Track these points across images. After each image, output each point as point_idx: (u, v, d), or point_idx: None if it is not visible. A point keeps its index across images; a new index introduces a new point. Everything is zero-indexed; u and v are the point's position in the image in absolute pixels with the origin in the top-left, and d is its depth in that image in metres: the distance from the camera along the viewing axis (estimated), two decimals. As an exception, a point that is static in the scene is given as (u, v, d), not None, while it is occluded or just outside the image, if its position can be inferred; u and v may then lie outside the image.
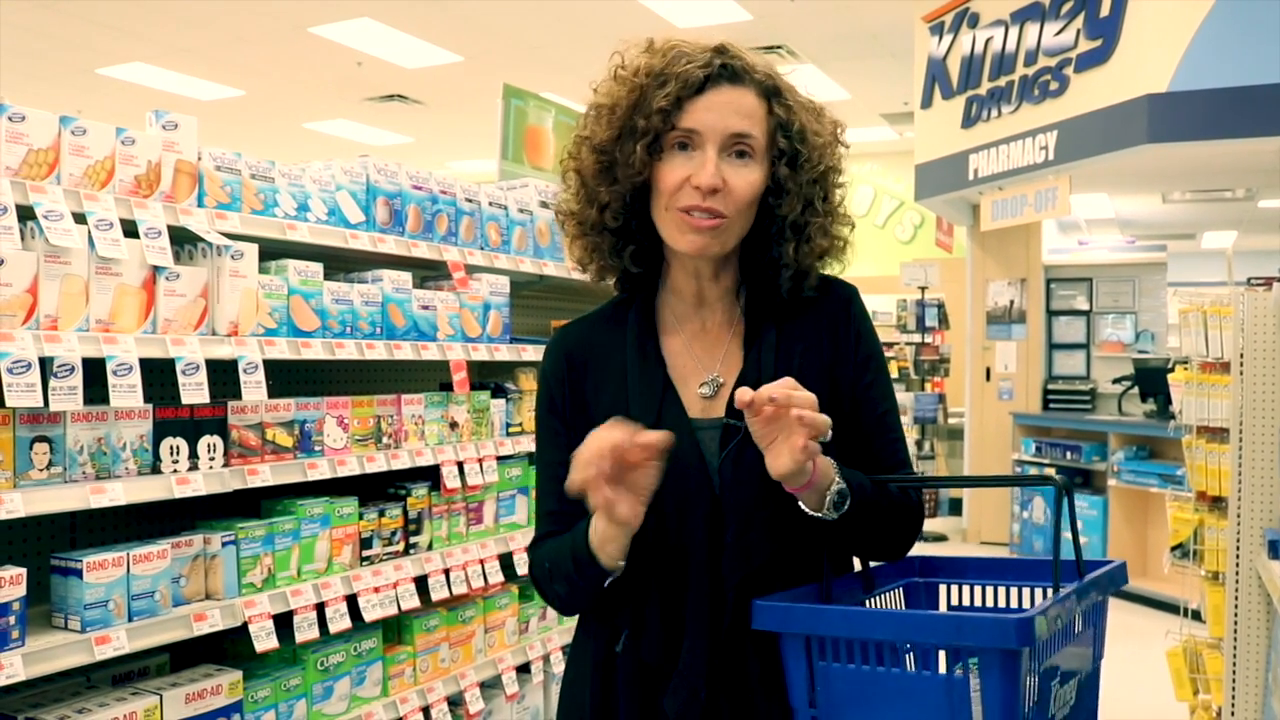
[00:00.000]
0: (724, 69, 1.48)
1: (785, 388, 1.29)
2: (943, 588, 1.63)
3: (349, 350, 2.90)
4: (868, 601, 1.54)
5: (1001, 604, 1.59)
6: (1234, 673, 3.32)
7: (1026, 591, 1.57)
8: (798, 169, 1.51)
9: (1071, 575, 1.42)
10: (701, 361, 1.56)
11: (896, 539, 1.54)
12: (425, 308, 3.20)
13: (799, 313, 1.57)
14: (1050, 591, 1.55)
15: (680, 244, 1.49)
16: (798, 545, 1.48)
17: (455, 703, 3.27)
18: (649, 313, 1.61)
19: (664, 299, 1.62)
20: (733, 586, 1.44)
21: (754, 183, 1.48)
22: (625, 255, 1.57)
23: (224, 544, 2.61)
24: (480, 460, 3.36)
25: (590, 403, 1.58)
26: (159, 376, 2.61)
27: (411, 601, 3.07)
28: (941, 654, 1.30)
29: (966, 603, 1.62)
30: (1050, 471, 8.07)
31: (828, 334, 1.56)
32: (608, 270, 1.62)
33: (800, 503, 1.40)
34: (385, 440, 3.07)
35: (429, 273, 3.44)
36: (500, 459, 3.47)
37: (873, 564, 1.58)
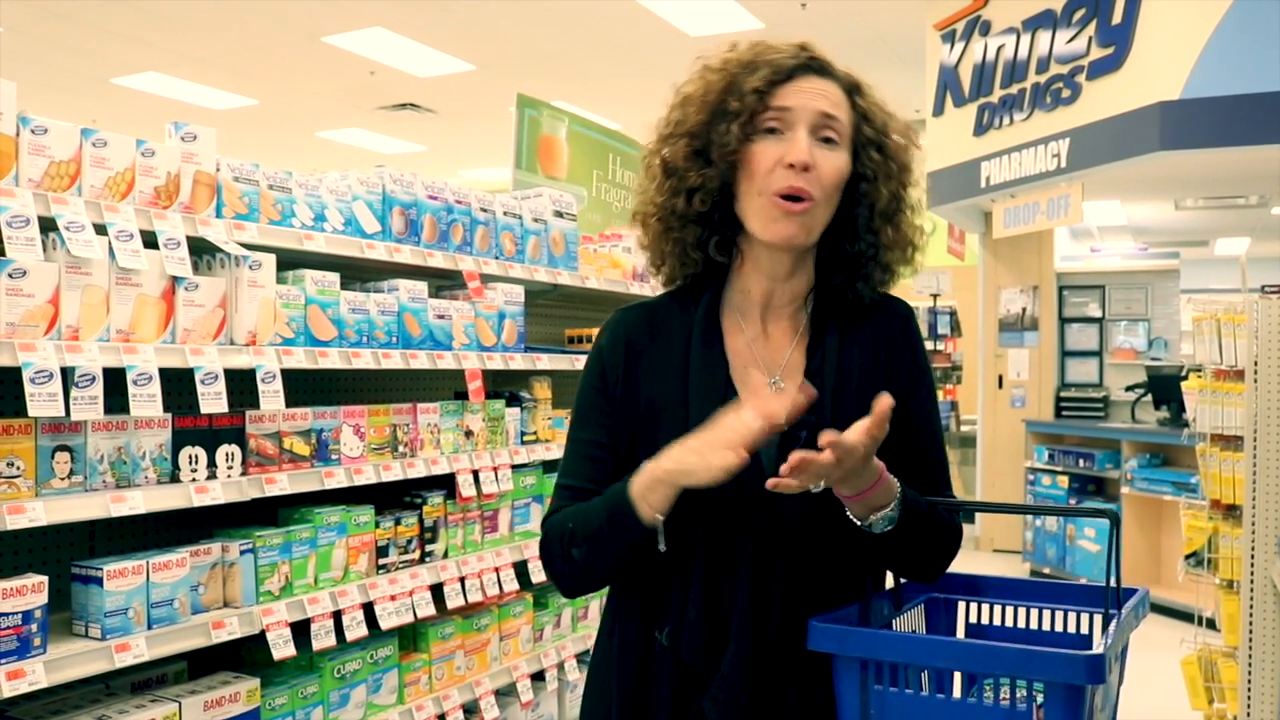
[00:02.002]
0: (811, 61, 1.55)
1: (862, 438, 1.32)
2: (961, 605, 1.63)
3: (365, 359, 2.91)
4: (896, 620, 1.55)
5: (1020, 625, 1.60)
6: (1249, 681, 3.31)
7: (1047, 613, 1.58)
8: (887, 156, 1.56)
9: (1097, 601, 1.43)
10: (765, 364, 1.57)
11: (936, 559, 1.55)
12: (441, 317, 3.22)
13: (861, 324, 1.58)
14: (1072, 614, 1.56)
15: (769, 232, 1.50)
16: (848, 559, 1.49)
17: (470, 710, 3.29)
18: (715, 310, 1.60)
19: (730, 299, 1.61)
20: (780, 597, 1.45)
21: (840, 167, 1.51)
22: (710, 245, 1.57)
23: (242, 552, 2.62)
24: (495, 469, 3.38)
25: (644, 390, 1.57)
26: (178, 386, 2.63)
27: (427, 609, 3.08)
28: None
29: (985, 621, 1.62)
30: (1063, 481, 8.07)
31: (885, 349, 1.57)
32: (684, 269, 1.61)
33: (848, 511, 1.41)
34: (401, 449, 3.09)
35: (444, 282, 3.46)
36: (515, 467, 3.48)
37: (903, 581, 1.59)
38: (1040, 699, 1.26)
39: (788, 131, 1.49)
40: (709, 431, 1.38)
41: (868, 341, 1.57)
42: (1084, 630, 1.55)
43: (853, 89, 1.56)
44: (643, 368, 1.59)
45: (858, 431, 1.31)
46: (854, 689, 1.34)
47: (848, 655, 1.34)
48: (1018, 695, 1.27)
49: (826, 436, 1.28)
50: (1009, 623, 1.60)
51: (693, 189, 1.54)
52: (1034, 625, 1.59)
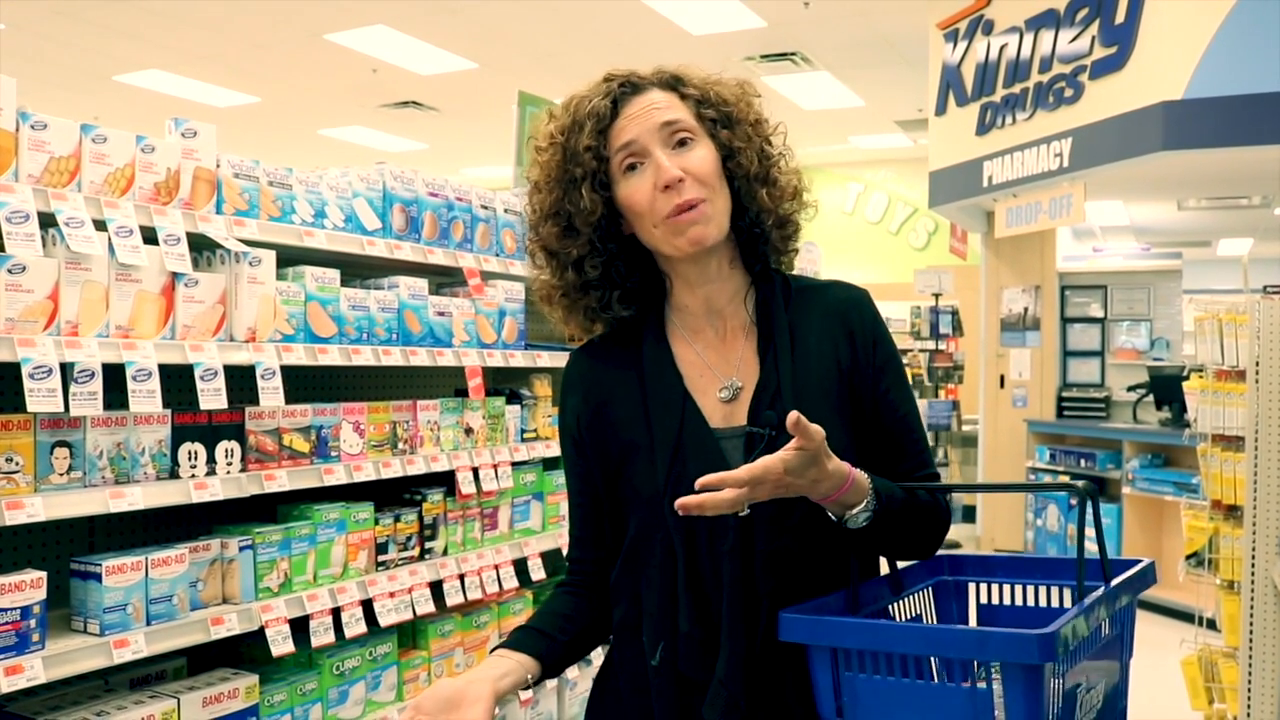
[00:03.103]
0: (623, 86, 1.54)
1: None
2: (972, 586, 1.64)
3: (365, 356, 2.91)
4: (897, 604, 1.55)
5: (1031, 603, 1.60)
6: (1249, 682, 3.31)
7: (1055, 590, 1.58)
8: (734, 126, 1.56)
9: (1098, 576, 1.43)
10: (716, 369, 1.57)
11: (923, 541, 1.55)
12: (441, 314, 3.22)
13: (813, 313, 1.58)
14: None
15: (681, 246, 1.51)
16: (829, 549, 1.49)
17: (469, 708, 3.28)
18: (660, 329, 1.62)
19: (672, 318, 1.63)
20: (766, 594, 1.45)
21: (707, 157, 1.52)
22: (614, 302, 1.59)
23: (241, 549, 2.62)
24: (495, 466, 3.37)
25: (609, 423, 1.59)
26: (177, 382, 2.63)
27: (427, 607, 3.08)
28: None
29: (996, 601, 1.62)
30: (1064, 480, 8.06)
31: (844, 338, 1.56)
32: (605, 325, 1.65)
33: (828, 511, 1.41)
34: (401, 446, 3.09)
35: (445, 279, 3.46)
36: (515, 464, 3.48)
37: (901, 564, 1.58)
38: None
39: (645, 160, 1.50)
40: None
41: (823, 331, 1.56)
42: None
43: (673, 83, 1.56)
44: (603, 403, 1.61)
45: (780, 456, 1.30)
46: (827, 676, 1.36)
47: (817, 645, 1.36)
48: (991, 676, 1.27)
49: (745, 474, 1.29)
50: (1019, 601, 1.61)
51: (579, 259, 1.56)
52: (1044, 602, 1.59)
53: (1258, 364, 3.27)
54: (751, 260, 1.61)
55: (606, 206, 1.53)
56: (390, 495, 3.18)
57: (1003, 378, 9.36)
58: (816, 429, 1.29)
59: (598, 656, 1.72)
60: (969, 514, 9.76)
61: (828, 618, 1.39)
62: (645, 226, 1.52)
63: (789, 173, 1.60)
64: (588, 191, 1.51)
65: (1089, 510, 1.40)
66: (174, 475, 2.50)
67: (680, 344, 1.60)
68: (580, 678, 3.70)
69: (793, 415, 1.28)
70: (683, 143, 1.51)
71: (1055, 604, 1.58)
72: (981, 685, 1.26)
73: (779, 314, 1.57)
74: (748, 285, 1.61)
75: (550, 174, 1.55)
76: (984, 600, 1.64)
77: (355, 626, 2.85)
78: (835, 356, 1.55)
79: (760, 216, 1.56)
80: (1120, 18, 6.41)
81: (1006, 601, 1.62)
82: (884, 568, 1.60)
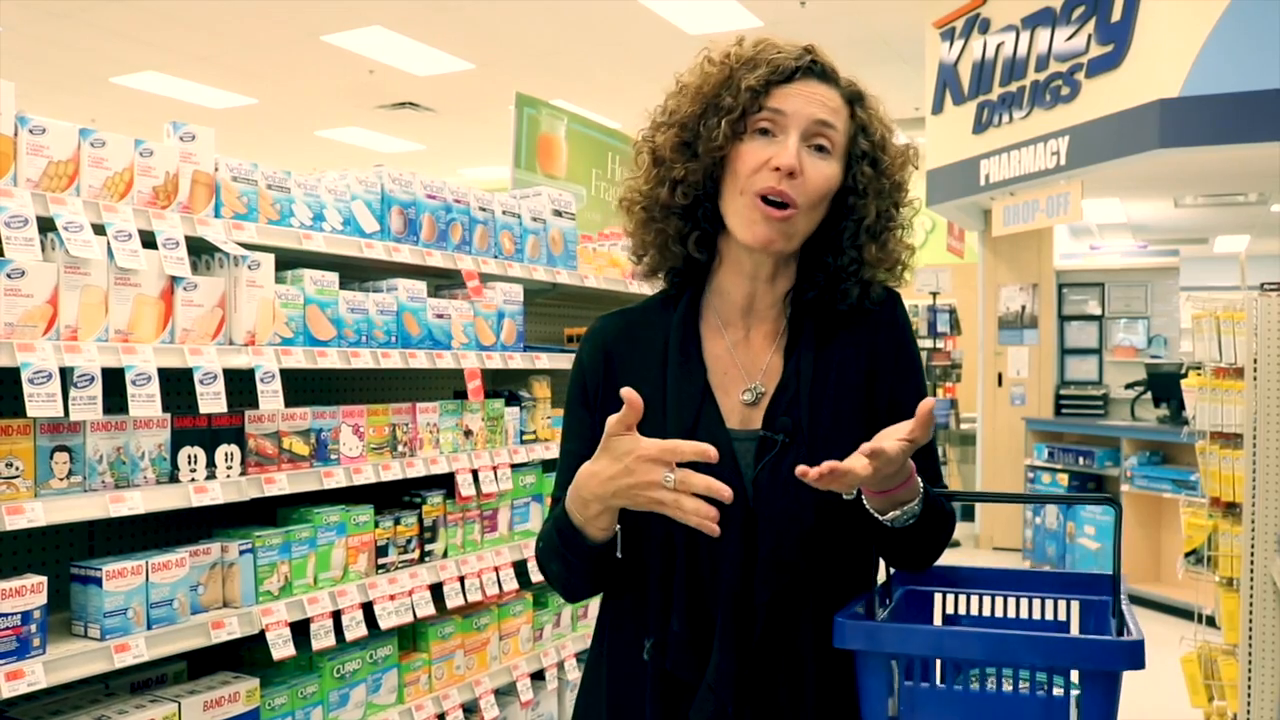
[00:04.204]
0: (814, 64, 1.51)
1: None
2: (937, 597, 1.63)
3: (364, 359, 2.91)
4: (883, 614, 1.54)
5: (998, 614, 1.59)
6: (1249, 679, 3.31)
7: (1024, 601, 1.58)
8: (880, 172, 1.52)
9: (1069, 588, 1.43)
10: (745, 370, 1.55)
11: (937, 549, 1.55)
12: (440, 316, 3.22)
13: (841, 321, 1.56)
14: (1064, 604, 1.57)
15: (747, 234, 1.48)
16: (831, 561, 1.47)
17: (470, 710, 3.29)
18: (694, 314, 1.59)
19: (710, 301, 1.60)
20: (764, 602, 1.43)
21: (829, 177, 1.49)
22: (690, 241, 1.55)
23: (241, 552, 2.62)
24: (494, 468, 3.37)
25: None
26: (177, 386, 2.63)
27: (427, 609, 3.08)
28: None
29: (963, 611, 1.62)
30: (1063, 478, 8.07)
31: (868, 343, 1.55)
32: (664, 261, 1.60)
33: (866, 504, 1.40)
34: (400, 448, 3.09)
35: (443, 281, 3.46)
36: (514, 466, 3.48)
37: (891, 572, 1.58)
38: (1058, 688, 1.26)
39: (780, 134, 1.47)
40: (624, 450, 1.33)
41: (849, 336, 1.54)
42: (1061, 617, 1.56)
43: (855, 99, 1.53)
44: (623, 375, 1.56)
45: (898, 438, 1.28)
46: (881, 685, 1.31)
47: (877, 652, 1.31)
48: (1040, 685, 1.27)
49: (867, 447, 1.26)
50: (985, 612, 1.60)
51: (677, 180, 1.52)
52: (1011, 613, 1.59)
53: (1255, 361, 3.27)
54: (806, 286, 1.57)
55: (729, 149, 1.49)
56: (390, 498, 3.18)
57: (1001, 376, 9.37)
58: (929, 428, 1.29)
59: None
60: (968, 513, 9.76)
61: (891, 624, 1.36)
62: (733, 189, 1.49)
63: (899, 244, 1.56)
64: (726, 123, 1.47)
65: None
66: (174, 479, 2.50)
67: (712, 336, 1.57)
68: (579, 679, 3.70)
69: (928, 403, 1.27)
70: (821, 149, 1.48)
71: (1023, 615, 1.58)
72: (1058, 692, 1.25)
73: (811, 321, 1.55)
74: (789, 291, 1.58)
75: (704, 87, 1.51)
76: (949, 610, 1.63)
77: (356, 629, 2.85)
78: (858, 361, 1.53)
79: (851, 266, 1.53)
80: (1116, 16, 6.41)
81: (974, 611, 1.61)
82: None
